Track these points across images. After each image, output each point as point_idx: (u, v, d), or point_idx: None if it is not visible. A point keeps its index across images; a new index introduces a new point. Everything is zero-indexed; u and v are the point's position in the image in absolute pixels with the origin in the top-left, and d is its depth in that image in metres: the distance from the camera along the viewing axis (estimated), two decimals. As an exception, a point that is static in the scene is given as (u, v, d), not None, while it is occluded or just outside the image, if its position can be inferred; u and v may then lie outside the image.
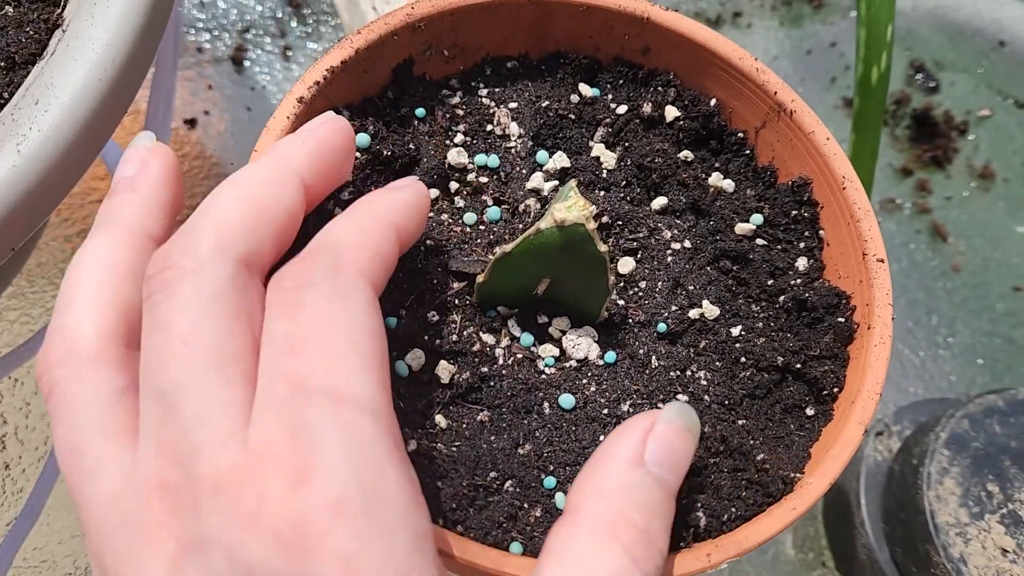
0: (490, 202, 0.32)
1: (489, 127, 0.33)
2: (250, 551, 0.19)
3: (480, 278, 0.28)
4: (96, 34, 0.29)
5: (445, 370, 0.28)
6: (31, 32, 0.30)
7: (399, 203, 0.25)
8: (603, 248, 0.26)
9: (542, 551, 0.22)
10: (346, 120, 0.26)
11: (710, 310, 0.30)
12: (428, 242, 0.30)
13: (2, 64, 0.29)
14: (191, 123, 0.54)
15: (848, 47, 0.63)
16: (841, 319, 0.30)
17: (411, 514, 0.20)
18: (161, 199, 0.25)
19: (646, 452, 0.23)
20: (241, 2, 0.57)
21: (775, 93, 0.32)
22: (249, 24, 0.57)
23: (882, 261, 0.29)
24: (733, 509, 0.26)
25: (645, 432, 0.24)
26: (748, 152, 0.33)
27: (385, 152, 0.30)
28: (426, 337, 0.28)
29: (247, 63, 0.56)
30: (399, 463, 0.21)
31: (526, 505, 0.26)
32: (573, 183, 0.27)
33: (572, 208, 0.26)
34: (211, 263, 0.21)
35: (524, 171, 0.32)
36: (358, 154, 0.30)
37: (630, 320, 0.30)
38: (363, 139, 0.30)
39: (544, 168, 0.32)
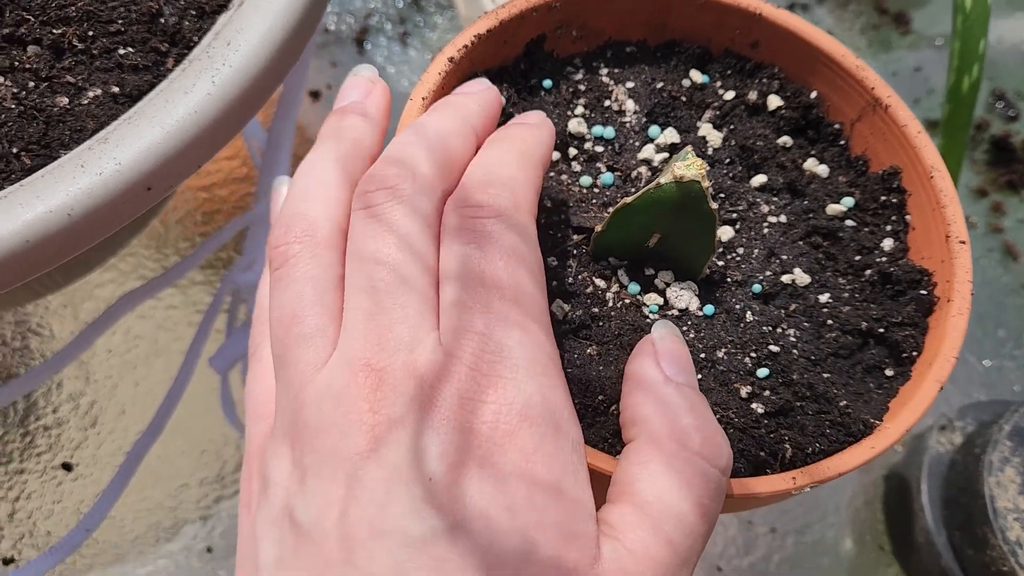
0: (604, 169, 0.35)
1: (607, 103, 0.36)
2: (442, 437, 0.22)
3: (598, 228, 0.32)
4: (280, -9, 0.33)
5: (560, 308, 0.31)
6: (219, -13, 0.34)
7: (543, 140, 0.29)
8: (714, 206, 0.30)
9: (620, 483, 0.25)
10: (497, 88, 0.30)
11: (801, 277, 0.33)
12: (549, 199, 0.33)
13: (194, 13, 0.33)
14: (315, 95, 0.58)
15: (932, 73, 0.66)
16: (923, 292, 0.32)
17: (572, 423, 0.24)
18: (382, 125, 0.30)
19: (665, 370, 0.26)
20: (366, -10, 0.61)
21: (873, 89, 0.35)
22: (372, 10, 0.61)
23: (964, 243, 0.32)
24: (817, 444, 0.29)
25: (652, 355, 0.27)
26: (843, 143, 0.36)
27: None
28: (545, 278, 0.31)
29: (368, 45, 0.61)
30: (564, 381, 0.25)
31: (628, 426, 0.29)
32: (689, 148, 0.30)
33: (691, 167, 0.29)
34: (428, 190, 0.26)
35: (637, 143, 0.35)
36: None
37: (728, 279, 0.33)
38: (500, 101, 0.33)
39: (655, 142, 0.35)
